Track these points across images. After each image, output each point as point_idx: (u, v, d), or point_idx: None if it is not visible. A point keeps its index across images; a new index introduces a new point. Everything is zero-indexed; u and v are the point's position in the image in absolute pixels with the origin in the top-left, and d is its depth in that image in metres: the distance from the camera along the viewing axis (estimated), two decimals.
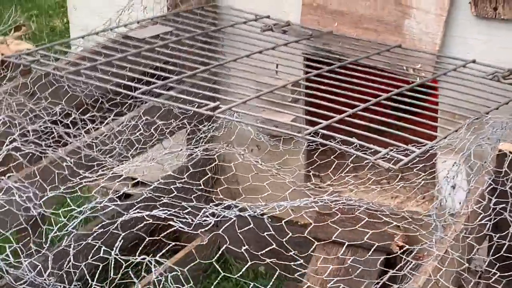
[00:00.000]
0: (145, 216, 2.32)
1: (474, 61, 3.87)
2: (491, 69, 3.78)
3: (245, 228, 2.82)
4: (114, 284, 2.42)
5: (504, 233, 2.45)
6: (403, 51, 4.00)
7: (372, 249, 3.65)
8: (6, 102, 3.29)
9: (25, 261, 2.23)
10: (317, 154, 3.29)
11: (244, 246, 2.73)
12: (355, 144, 3.00)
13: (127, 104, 3.58)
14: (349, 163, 3.00)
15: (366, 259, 3.91)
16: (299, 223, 4.32)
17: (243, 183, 3.11)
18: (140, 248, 2.51)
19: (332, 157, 3.15)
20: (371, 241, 3.45)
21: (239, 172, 3.15)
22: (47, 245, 2.40)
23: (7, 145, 2.91)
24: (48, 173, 3.06)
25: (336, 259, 4.46)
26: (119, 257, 2.19)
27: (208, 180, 3.30)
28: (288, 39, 4.06)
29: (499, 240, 2.47)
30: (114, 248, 2.18)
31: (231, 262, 4.59)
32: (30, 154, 3.14)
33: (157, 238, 3.42)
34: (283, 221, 2.95)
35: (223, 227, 2.69)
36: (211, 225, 3.49)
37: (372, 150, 2.94)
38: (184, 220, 2.26)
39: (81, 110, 3.50)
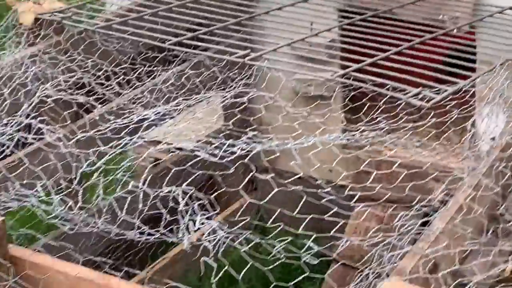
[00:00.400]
0: (171, 150, 2.31)
1: (511, 8, 3.79)
2: None
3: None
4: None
5: None
6: (439, 0, 3.93)
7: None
8: (40, 58, 3.31)
9: (56, 196, 2.24)
10: (351, 99, 3.25)
11: (282, 208, 2.68)
12: (388, 86, 2.95)
13: (159, 58, 3.57)
14: (381, 105, 2.97)
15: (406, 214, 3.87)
16: (338, 184, 4.30)
17: (274, 127, 3.08)
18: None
19: (364, 100, 3.11)
20: (410, 196, 3.41)
21: (269, 115, 3.14)
22: (76, 182, 2.40)
23: (39, 94, 2.92)
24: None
25: (376, 216, 4.42)
26: (145, 189, 2.19)
27: (241, 122, 3.26)
28: None
29: None
30: (142, 180, 2.18)
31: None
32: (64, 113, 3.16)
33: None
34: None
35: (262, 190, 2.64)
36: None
37: (406, 91, 2.90)
38: (210, 152, 2.25)
39: (113, 65, 3.51)
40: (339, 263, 4.30)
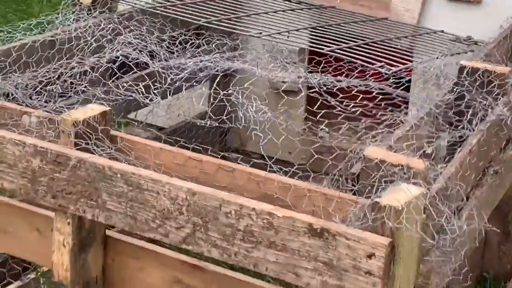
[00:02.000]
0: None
1: (442, 31, 5.23)
2: (454, 36, 5.15)
3: None
4: None
5: None
6: (389, 23, 5.34)
7: None
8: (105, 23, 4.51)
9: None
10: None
11: None
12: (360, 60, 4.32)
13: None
14: (355, 74, 4.32)
15: None
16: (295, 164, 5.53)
17: None
18: None
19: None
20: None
21: None
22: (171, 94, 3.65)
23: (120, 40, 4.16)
24: None
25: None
26: None
27: None
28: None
29: None
30: None
31: None
32: None
33: None
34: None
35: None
36: None
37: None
38: None
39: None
40: None
